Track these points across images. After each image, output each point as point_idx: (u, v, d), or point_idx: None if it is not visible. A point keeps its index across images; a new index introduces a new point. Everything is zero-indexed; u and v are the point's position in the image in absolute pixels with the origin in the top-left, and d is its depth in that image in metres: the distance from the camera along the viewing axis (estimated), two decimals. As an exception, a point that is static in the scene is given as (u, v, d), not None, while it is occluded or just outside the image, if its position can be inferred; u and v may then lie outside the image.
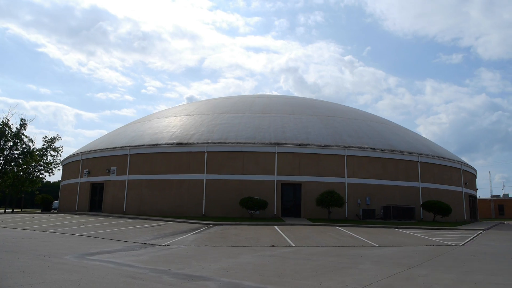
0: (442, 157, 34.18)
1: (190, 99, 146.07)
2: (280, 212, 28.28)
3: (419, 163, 31.72)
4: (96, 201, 33.51)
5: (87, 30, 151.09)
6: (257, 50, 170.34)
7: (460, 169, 36.17)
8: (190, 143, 29.65)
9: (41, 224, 23.18)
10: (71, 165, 37.78)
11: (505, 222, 44.84)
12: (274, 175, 28.57)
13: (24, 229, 20.61)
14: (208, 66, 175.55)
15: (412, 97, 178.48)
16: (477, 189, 42.90)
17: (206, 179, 28.82)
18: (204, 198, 28.59)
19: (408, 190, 30.83)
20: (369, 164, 29.90)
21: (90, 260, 10.57)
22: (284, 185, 28.78)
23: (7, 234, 18.04)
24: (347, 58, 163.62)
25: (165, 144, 30.26)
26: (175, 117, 35.94)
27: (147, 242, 15.22)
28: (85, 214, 30.41)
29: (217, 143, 29.22)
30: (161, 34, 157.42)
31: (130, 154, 31.50)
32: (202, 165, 29.08)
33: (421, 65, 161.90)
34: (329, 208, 26.63)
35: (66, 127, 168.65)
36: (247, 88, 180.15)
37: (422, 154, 32.23)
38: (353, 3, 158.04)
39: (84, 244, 14.59)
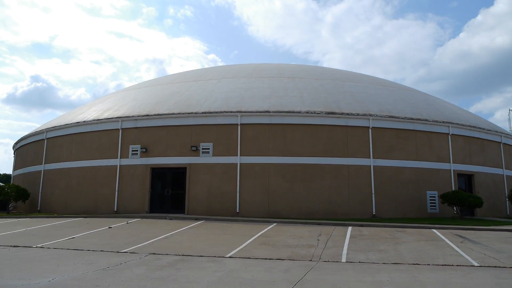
0: None
1: (36, 79, 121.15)
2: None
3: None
4: (163, 197, 20.96)
5: None
6: (120, 35, 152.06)
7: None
8: (347, 114, 20.66)
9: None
10: (84, 138, 23.30)
11: None
12: (449, 162, 22.06)
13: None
14: (60, 44, 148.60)
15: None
16: None
17: (373, 166, 20.44)
18: (373, 192, 20.17)
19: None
20: (507, 154, 25.92)
21: None
22: (458, 176, 22.60)
23: None
24: (210, 56, 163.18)
25: (306, 112, 20.44)
26: (261, 78, 25.49)
27: None
28: (168, 219, 18.25)
29: (384, 116, 21.07)
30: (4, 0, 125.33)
31: (241, 124, 20.46)
32: (366, 145, 20.58)
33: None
34: (529, 206, 21.79)
35: None
36: (104, 74, 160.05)
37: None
38: (223, 4, 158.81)
39: None
